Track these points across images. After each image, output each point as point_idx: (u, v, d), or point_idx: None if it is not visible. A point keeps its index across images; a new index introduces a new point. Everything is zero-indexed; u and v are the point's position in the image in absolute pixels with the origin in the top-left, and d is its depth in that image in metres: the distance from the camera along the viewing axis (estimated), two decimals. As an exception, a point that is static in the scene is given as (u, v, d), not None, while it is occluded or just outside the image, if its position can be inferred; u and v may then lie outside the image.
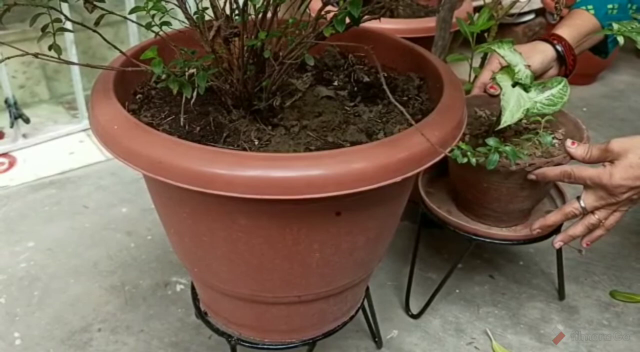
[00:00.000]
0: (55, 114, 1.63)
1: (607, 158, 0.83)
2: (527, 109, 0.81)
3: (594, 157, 0.85)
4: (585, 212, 0.86)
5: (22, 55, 0.59)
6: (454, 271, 0.99)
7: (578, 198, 0.86)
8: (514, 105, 0.79)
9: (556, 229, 0.95)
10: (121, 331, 1.01)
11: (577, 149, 0.86)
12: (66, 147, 1.51)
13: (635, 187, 0.81)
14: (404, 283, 1.09)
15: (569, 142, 0.87)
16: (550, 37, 0.98)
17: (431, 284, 1.07)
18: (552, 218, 0.89)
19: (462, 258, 0.98)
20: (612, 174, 0.81)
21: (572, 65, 0.99)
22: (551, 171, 0.86)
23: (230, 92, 0.70)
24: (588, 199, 0.85)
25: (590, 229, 0.87)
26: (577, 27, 0.99)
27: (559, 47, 0.97)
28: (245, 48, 0.65)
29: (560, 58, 0.98)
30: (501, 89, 0.81)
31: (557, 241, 0.91)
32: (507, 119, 0.80)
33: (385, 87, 0.55)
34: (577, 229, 0.88)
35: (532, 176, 0.86)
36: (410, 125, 0.63)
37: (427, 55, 0.79)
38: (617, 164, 0.81)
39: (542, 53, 0.96)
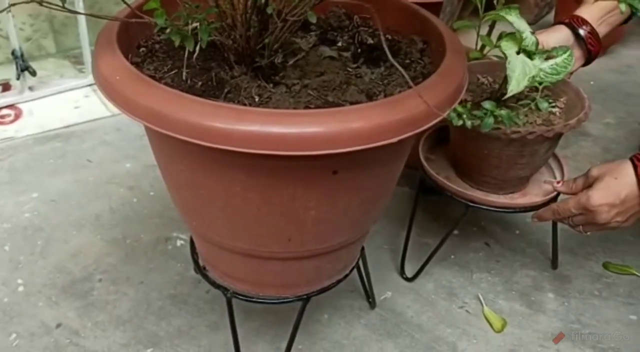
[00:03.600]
0: (62, 68, 1.63)
1: (589, 184, 0.88)
2: (532, 77, 0.81)
3: (579, 186, 0.90)
4: (572, 225, 0.92)
5: (27, 1, 0.59)
6: (449, 237, 1.01)
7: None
8: (520, 73, 0.79)
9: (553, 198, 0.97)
10: (121, 282, 1.03)
11: (562, 186, 0.93)
12: (72, 101, 1.52)
13: (614, 204, 0.84)
14: (400, 247, 1.10)
15: (554, 181, 0.95)
16: (572, 19, 0.98)
17: (427, 249, 1.09)
18: (546, 214, 0.94)
19: (458, 223, 1.00)
20: (590, 196, 0.86)
21: (596, 50, 1.01)
22: (544, 212, 0.94)
23: (233, 48, 0.70)
24: (577, 219, 0.90)
25: (557, 220, 0.95)
26: (598, 5, 0.99)
27: (581, 31, 0.98)
28: (249, 4, 0.65)
29: (582, 40, 0.98)
30: (506, 56, 0.81)
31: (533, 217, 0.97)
32: (513, 88, 0.78)
33: (385, 47, 0.56)
34: (547, 214, 0.94)
35: (534, 220, 0.95)
36: (411, 87, 0.63)
37: (431, 18, 0.79)
38: (595, 187, 0.86)
39: (558, 32, 0.98)
